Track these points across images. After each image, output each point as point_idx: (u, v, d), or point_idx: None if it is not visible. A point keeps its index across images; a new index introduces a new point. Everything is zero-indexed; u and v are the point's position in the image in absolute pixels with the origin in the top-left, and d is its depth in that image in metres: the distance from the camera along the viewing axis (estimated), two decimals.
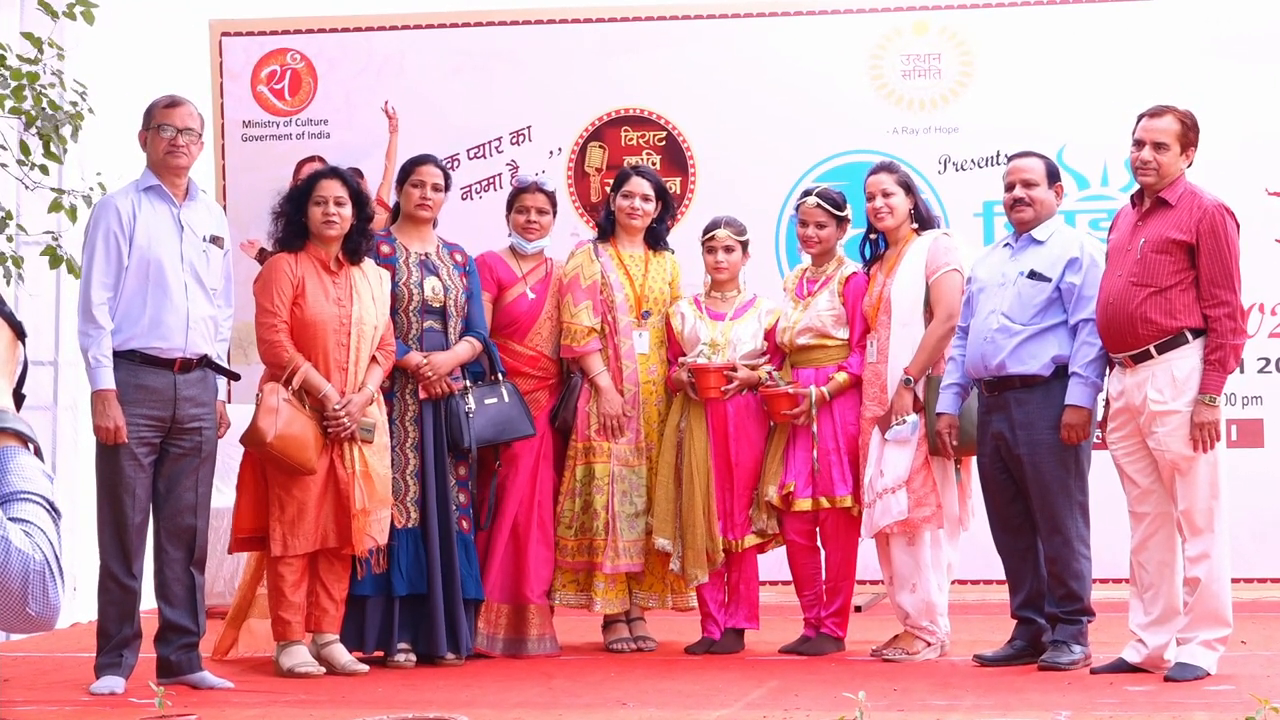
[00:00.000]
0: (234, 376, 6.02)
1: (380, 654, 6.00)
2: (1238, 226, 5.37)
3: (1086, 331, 5.58)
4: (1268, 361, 7.45)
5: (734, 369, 6.24)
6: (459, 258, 6.27)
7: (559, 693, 5.31)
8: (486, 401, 6.13)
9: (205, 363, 5.57)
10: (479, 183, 8.02)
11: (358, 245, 5.90)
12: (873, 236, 6.24)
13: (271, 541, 5.75)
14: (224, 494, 6.62)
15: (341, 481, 5.73)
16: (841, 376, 6.13)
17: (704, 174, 7.92)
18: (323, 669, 5.73)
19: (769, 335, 6.33)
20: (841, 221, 6.29)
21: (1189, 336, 5.30)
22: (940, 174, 7.67)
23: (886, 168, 6.25)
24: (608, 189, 6.89)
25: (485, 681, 5.58)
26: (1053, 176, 5.85)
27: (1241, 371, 7.13)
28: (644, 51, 8.02)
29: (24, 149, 6.36)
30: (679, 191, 7.81)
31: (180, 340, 5.48)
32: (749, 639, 6.36)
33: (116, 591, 5.46)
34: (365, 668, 5.81)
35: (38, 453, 2.12)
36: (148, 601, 5.65)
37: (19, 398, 2.21)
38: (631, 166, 6.81)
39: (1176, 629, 5.36)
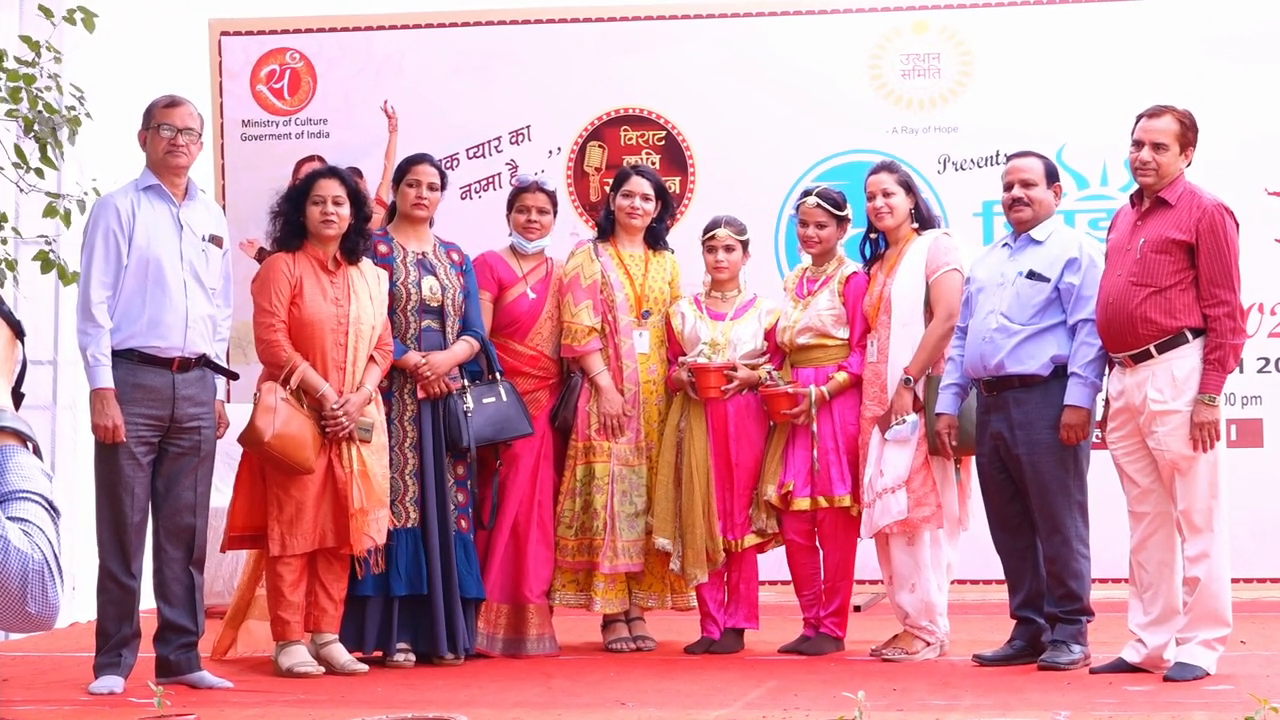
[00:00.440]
0: (232, 376, 6.02)
1: (379, 654, 6.00)
2: (1237, 226, 5.37)
3: (1085, 331, 5.58)
4: (1267, 361, 7.45)
5: (734, 368, 6.23)
6: (455, 256, 6.27)
7: (558, 692, 5.31)
8: (484, 401, 6.13)
9: (204, 362, 5.57)
10: (478, 182, 8.02)
11: (355, 245, 5.90)
12: (873, 236, 6.24)
13: (270, 541, 5.75)
14: (223, 493, 6.62)
15: (340, 481, 5.73)
16: (841, 376, 6.13)
17: (703, 173, 7.92)
18: (322, 669, 5.73)
19: (769, 335, 6.33)
20: (842, 221, 6.28)
21: (1189, 336, 5.30)
22: (939, 174, 7.67)
23: (887, 167, 6.25)
24: (607, 189, 6.89)
25: (484, 681, 5.58)
26: (1051, 176, 5.85)
27: (1241, 371, 7.12)
28: (643, 51, 8.02)
29: (19, 154, 6.35)
30: (678, 191, 7.80)
31: (179, 340, 5.48)
32: (748, 639, 6.36)
33: (115, 591, 5.46)
34: (364, 667, 5.81)
35: (36, 451, 2.12)
36: (147, 601, 5.65)
37: (18, 396, 2.21)
38: (631, 166, 6.81)
39: (1176, 629, 5.36)
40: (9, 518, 2.00)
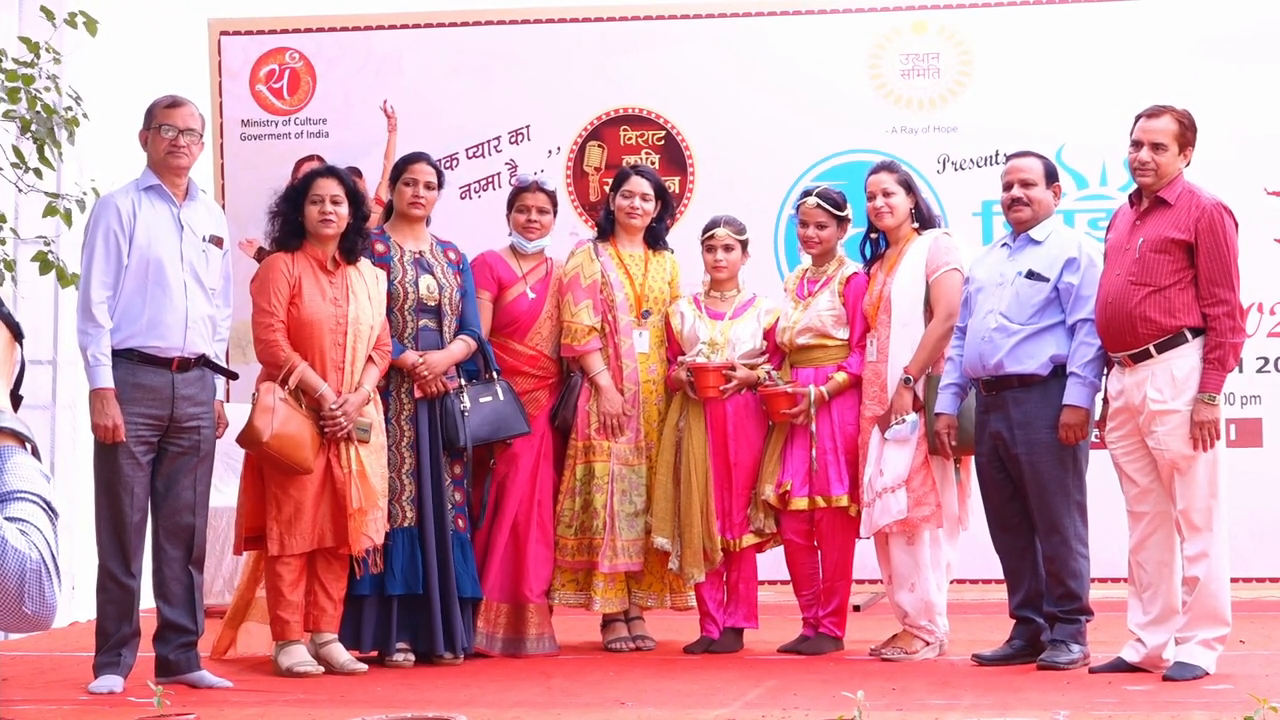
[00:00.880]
0: (232, 376, 6.02)
1: (375, 653, 6.00)
2: (1236, 225, 5.37)
3: (1084, 331, 5.58)
4: (1266, 361, 7.45)
5: (733, 368, 6.24)
6: (452, 255, 6.27)
7: (557, 692, 5.31)
8: (481, 400, 6.13)
9: (203, 362, 5.57)
10: (478, 182, 8.02)
11: (354, 244, 5.90)
12: (873, 236, 6.24)
13: (269, 541, 5.75)
14: (223, 493, 6.62)
15: (338, 481, 5.73)
16: (840, 376, 6.13)
17: (703, 173, 7.92)
18: (321, 668, 5.73)
19: (768, 334, 6.33)
20: (842, 221, 6.29)
21: (1188, 335, 5.30)
22: (939, 173, 7.67)
23: (887, 167, 6.25)
24: (607, 188, 6.90)
25: (484, 681, 5.58)
26: (1051, 176, 5.85)
27: (1240, 371, 7.12)
28: (643, 51, 8.02)
29: (17, 154, 6.35)
30: (678, 191, 7.80)
31: (179, 340, 5.48)
32: (747, 638, 6.36)
33: (115, 590, 5.46)
34: (364, 667, 5.81)
35: (35, 453, 2.12)
36: (146, 600, 5.64)
37: (17, 399, 2.21)
38: (631, 166, 6.81)
39: (1175, 628, 5.36)
40: (6, 518, 2.00)
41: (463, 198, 7.92)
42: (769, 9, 7.95)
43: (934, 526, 5.96)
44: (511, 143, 8.01)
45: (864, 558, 6.34)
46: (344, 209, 5.84)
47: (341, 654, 5.82)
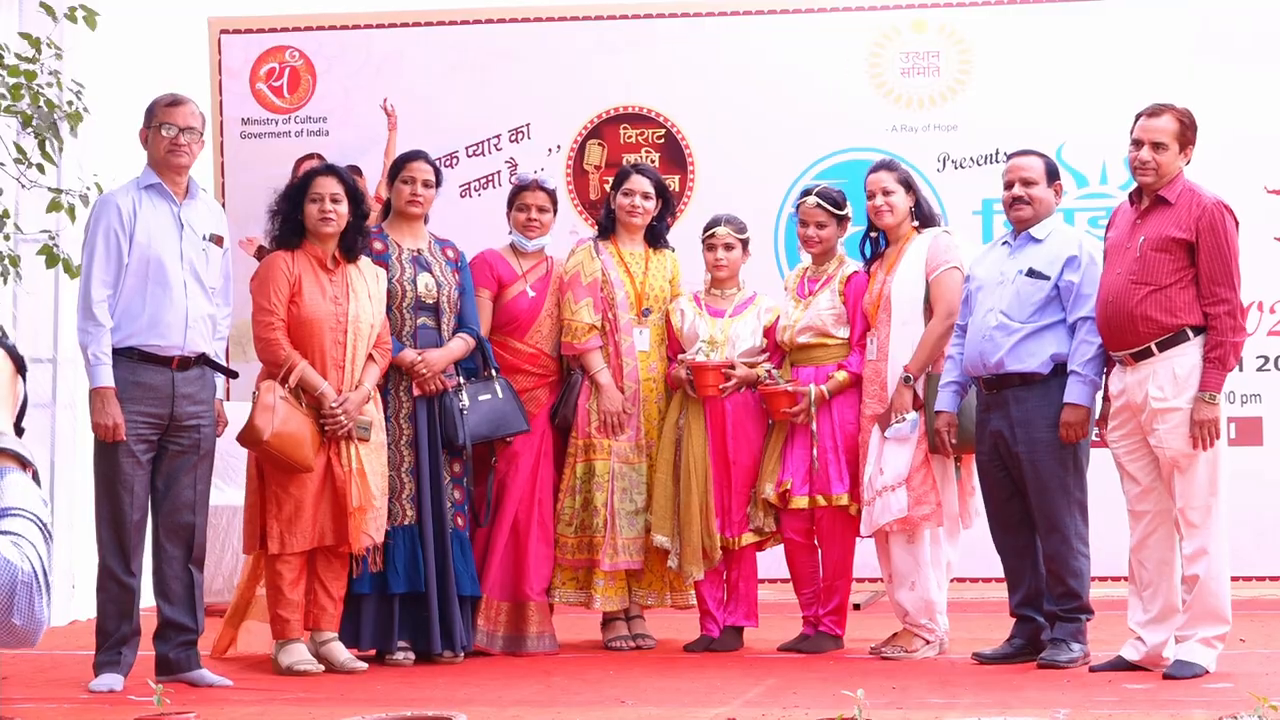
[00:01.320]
0: (232, 374, 6.02)
1: (373, 651, 6.00)
2: (1237, 224, 5.37)
3: (1085, 329, 5.58)
4: (1267, 359, 7.44)
5: (732, 366, 6.23)
6: (450, 253, 6.27)
7: (558, 690, 5.31)
8: (480, 398, 6.13)
9: (203, 361, 5.57)
10: (478, 180, 8.02)
11: (354, 243, 5.90)
12: (873, 234, 6.24)
13: (269, 539, 5.75)
14: (223, 492, 6.62)
15: (338, 479, 5.73)
16: (841, 375, 6.13)
17: (703, 172, 7.92)
18: (321, 667, 5.74)
19: (768, 333, 6.33)
20: (842, 220, 6.28)
21: (1189, 334, 5.30)
22: (939, 172, 7.67)
23: (887, 165, 6.25)
24: (607, 187, 6.90)
25: (484, 679, 5.58)
26: (1051, 175, 5.85)
27: (1240, 369, 7.11)
28: (643, 49, 8.01)
29: (19, 150, 6.35)
30: (678, 189, 7.80)
31: (179, 338, 5.48)
32: (748, 637, 6.36)
33: (115, 589, 5.46)
34: (364, 665, 5.81)
35: (35, 478, 2.10)
36: (146, 599, 5.65)
37: (19, 431, 2.19)
38: (631, 164, 6.81)
39: (1175, 627, 5.36)
40: (0, 531, 1.99)
41: (463, 196, 7.92)
42: (769, 7, 7.95)
43: (934, 525, 5.96)
44: (511, 141, 8.01)
45: (864, 556, 6.34)
46: (344, 207, 5.84)
47: (341, 652, 5.82)
